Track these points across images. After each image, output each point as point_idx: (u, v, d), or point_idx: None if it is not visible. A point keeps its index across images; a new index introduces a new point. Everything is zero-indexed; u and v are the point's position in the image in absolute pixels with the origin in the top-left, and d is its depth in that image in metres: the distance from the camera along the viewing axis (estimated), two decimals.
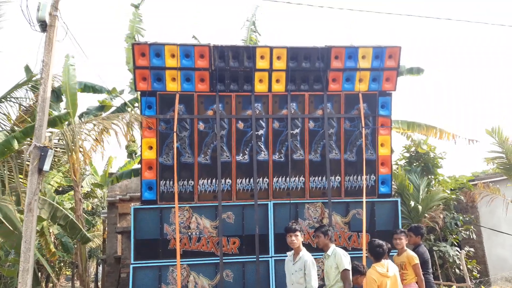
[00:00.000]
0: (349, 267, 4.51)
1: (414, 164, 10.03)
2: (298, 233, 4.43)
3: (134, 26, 9.48)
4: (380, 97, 6.48)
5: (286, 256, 6.09)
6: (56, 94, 8.90)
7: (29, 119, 7.57)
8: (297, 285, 4.33)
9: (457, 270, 8.49)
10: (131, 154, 13.49)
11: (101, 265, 13.57)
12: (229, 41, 6.37)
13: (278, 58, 6.16)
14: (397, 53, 6.37)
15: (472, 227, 9.20)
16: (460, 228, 9.08)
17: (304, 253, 4.39)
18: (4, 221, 6.22)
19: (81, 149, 5.51)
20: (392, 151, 6.98)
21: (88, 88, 9.23)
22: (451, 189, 9.80)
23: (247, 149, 6.27)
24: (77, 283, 10.01)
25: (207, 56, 6.02)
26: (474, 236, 9.37)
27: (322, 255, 5.09)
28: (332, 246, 4.59)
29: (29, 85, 7.82)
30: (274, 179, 6.29)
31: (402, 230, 5.53)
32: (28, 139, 6.66)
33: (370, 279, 4.28)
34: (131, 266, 5.84)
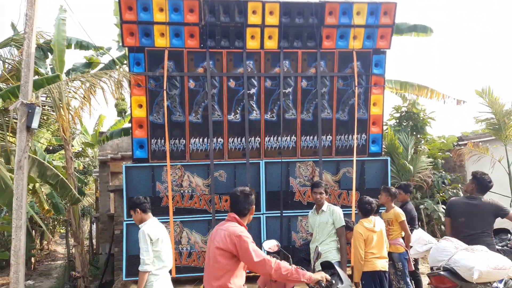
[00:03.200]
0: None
1: (404, 124, 10.08)
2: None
3: None
4: (374, 55, 6.38)
5: (278, 213, 6.23)
6: (42, 51, 8.60)
7: (13, 79, 7.32)
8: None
9: (442, 227, 8.78)
10: (120, 112, 13.28)
11: (94, 223, 13.77)
12: None
13: (271, 13, 5.95)
14: (392, 10, 6.20)
15: (459, 185, 9.41)
16: (448, 187, 9.29)
17: (144, 224, 4.07)
18: None
19: (68, 107, 5.40)
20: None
21: (75, 44, 8.91)
22: (439, 149, 9.93)
23: (239, 108, 6.20)
24: (71, 241, 10.19)
25: (196, 11, 5.79)
26: (461, 194, 9.63)
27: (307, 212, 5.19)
28: (326, 203, 4.68)
29: (15, 43, 7.51)
30: (266, 138, 6.28)
31: (385, 187, 5.50)
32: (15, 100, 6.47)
33: (356, 234, 4.42)
34: (124, 223, 5.92)
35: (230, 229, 2.78)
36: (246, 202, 2.92)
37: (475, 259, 3.42)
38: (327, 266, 3.24)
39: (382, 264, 4.43)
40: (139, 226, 4.08)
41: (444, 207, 8.86)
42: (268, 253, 3.06)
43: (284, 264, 2.73)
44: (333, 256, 4.39)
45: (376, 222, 4.52)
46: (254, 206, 2.98)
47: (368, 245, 4.42)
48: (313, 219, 4.74)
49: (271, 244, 3.37)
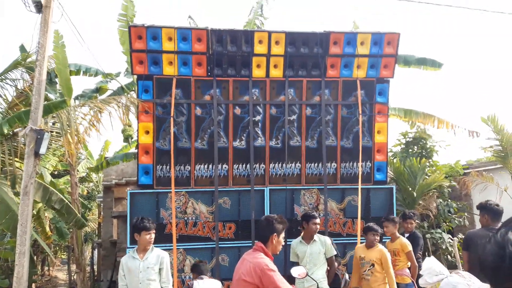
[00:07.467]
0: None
1: (410, 150, 10.06)
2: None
3: (128, 6, 9.23)
4: (378, 84, 6.46)
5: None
6: (50, 77, 8.75)
7: (21, 104, 7.44)
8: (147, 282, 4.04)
9: (449, 257, 8.61)
10: (127, 138, 13.39)
11: (96, 249, 13.63)
12: (231, 26, 6.23)
13: (277, 43, 6.09)
14: (395, 40, 6.33)
15: (465, 214, 9.29)
16: (454, 216, 9.17)
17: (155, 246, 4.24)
18: None
19: (76, 132, 5.47)
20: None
21: (84, 71, 9.09)
22: (445, 176, 9.86)
23: (244, 134, 6.25)
24: (73, 267, 10.06)
25: (204, 40, 5.94)
26: (467, 223, 9.48)
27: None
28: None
29: (24, 66, 7.67)
30: (271, 165, 6.29)
31: (389, 217, 5.43)
32: (22, 126, 6.55)
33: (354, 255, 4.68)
34: (128, 250, 5.85)
35: (255, 261, 2.75)
36: (267, 229, 2.86)
37: None
38: None
39: None
40: (151, 247, 4.23)
41: (451, 237, 8.74)
42: (289, 280, 3.05)
43: None
44: (325, 286, 4.51)
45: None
46: (278, 235, 2.86)
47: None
48: (301, 249, 4.73)
49: (300, 271, 3.40)
